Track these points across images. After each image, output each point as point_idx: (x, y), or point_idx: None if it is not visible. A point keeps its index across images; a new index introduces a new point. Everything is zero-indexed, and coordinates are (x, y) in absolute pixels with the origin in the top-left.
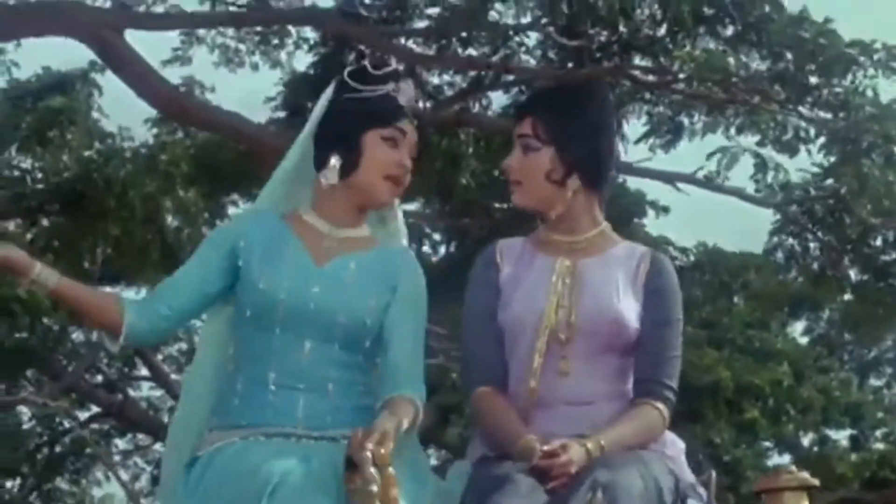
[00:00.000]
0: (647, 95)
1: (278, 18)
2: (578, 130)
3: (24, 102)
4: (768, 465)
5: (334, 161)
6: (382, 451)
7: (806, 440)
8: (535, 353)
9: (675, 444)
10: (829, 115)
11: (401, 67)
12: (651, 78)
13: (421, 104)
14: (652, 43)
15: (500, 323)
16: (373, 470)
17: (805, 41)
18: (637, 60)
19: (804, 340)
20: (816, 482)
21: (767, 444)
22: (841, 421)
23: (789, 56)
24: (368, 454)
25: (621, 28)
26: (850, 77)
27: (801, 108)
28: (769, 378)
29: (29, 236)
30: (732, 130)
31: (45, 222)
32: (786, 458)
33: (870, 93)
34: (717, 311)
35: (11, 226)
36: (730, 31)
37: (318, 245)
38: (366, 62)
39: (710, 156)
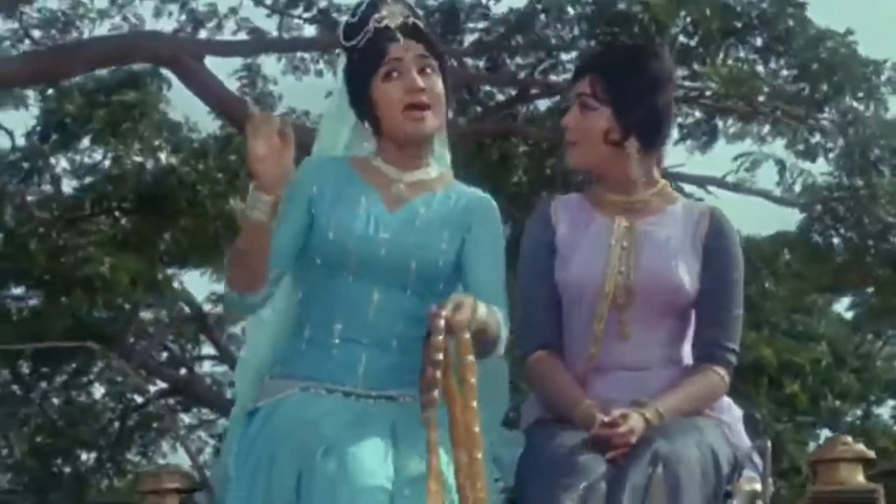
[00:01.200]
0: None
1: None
2: (637, 91)
3: (97, 97)
4: (808, 439)
5: (367, 126)
6: (458, 317)
7: (849, 415)
8: (595, 319)
9: (731, 411)
10: (839, 129)
11: None
12: (681, 93)
13: (412, 14)
14: (686, 54)
15: (557, 284)
16: (441, 338)
17: (825, 56)
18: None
19: (849, 315)
20: (872, 454)
21: (808, 418)
22: (882, 397)
23: (815, 66)
24: (441, 321)
25: (657, 41)
26: (861, 94)
27: (816, 121)
28: (809, 357)
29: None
30: (758, 138)
31: (123, 220)
32: (826, 433)
33: (880, 109)
34: (759, 293)
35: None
36: (759, 41)
37: (388, 190)
38: (347, 18)
39: (735, 158)
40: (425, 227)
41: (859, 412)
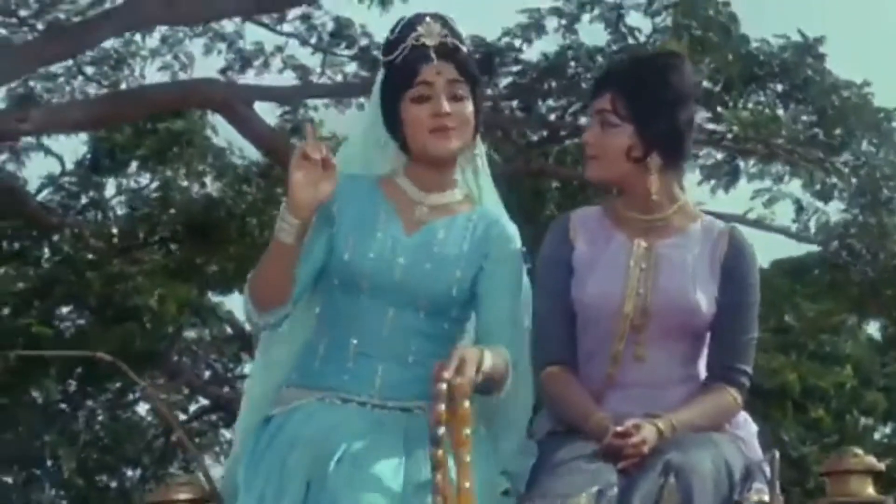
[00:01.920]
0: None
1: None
2: (659, 107)
3: (145, 125)
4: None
5: (393, 145)
6: (459, 380)
7: (877, 434)
8: (615, 340)
9: (747, 425)
10: (852, 172)
11: (420, 13)
12: (702, 136)
13: (450, 34)
14: (709, 97)
15: (574, 302)
16: (442, 407)
17: (840, 104)
18: (698, 112)
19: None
20: (882, 467)
21: (833, 439)
22: None
23: (830, 112)
24: (443, 386)
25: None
26: (873, 139)
27: (831, 164)
28: (833, 381)
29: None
30: (776, 178)
31: (174, 250)
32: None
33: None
34: (786, 314)
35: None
36: (779, 88)
37: (410, 212)
38: (388, 34)
39: (754, 196)
40: (442, 253)
41: (888, 430)
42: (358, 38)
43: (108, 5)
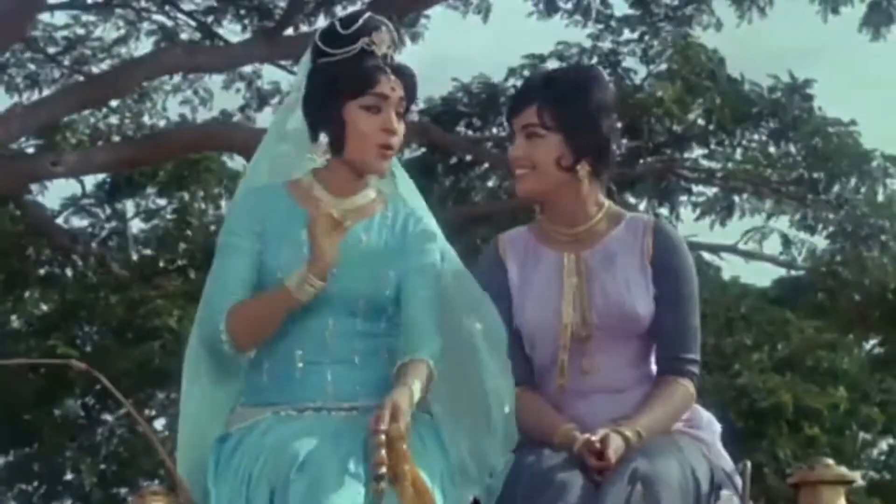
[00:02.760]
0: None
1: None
2: (584, 115)
3: None
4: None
5: (322, 139)
6: (396, 425)
7: (875, 450)
8: (559, 355)
9: (710, 427)
10: (835, 210)
11: (374, 16)
12: (696, 175)
13: (396, 46)
14: (703, 135)
15: (517, 327)
16: (383, 452)
17: (826, 144)
18: (692, 149)
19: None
20: (856, 476)
21: (830, 459)
22: None
23: (817, 151)
24: (382, 437)
25: (675, 127)
26: (854, 180)
27: (816, 202)
28: (826, 402)
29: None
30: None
31: (193, 276)
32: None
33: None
34: (782, 332)
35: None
36: (770, 125)
37: None
38: (336, 21)
39: (746, 233)
40: (369, 256)
41: (885, 446)
42: None
43: (130, 41)
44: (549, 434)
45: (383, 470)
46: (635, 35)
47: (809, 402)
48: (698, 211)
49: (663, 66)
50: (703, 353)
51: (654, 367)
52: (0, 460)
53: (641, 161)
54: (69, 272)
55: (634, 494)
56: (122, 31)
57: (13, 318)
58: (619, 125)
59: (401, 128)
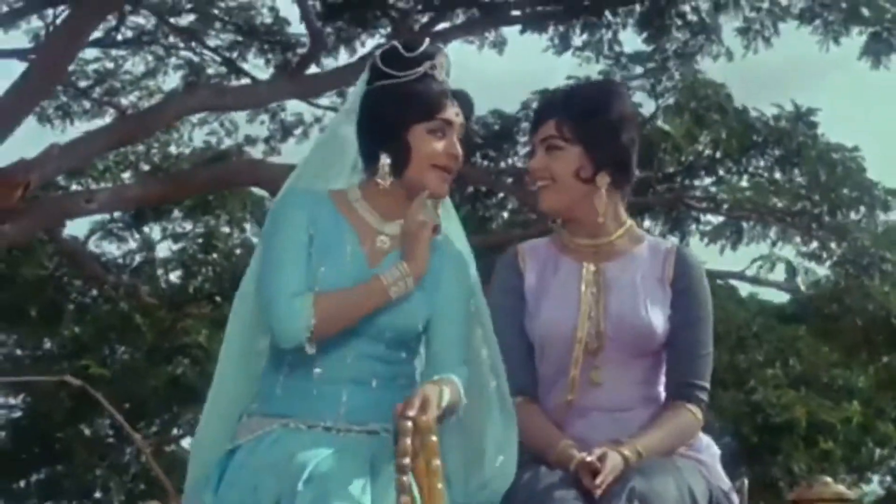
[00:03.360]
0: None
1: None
2: (604, 127)
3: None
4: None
5: (384, 160)
6: (424, 417)
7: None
8: (571, 366)
9: (710, 450)
10: (837, 240)
11: (434, 42)
12: (704, 204)
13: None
14: (710, 163)
15: (528, 333)
16: (409, 441)
17: (830, 173)
18: (701, 178)
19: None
20: (853, 495)
21: (843, 474)
22: None
23: (822, 179)
24: (409, 423)
25: (683, 158)
26: (855, 211)
27: (819, 232)
28: (840, 417)
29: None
30: (771, 242)
31: (221, 303)
32: (867, 487)
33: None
34: (793, 349)
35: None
36: (775, 153)
37: (371, 242)
38: (397, 43)
39: (753, 262)
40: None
41: None
42: None
43: (159, 75)
44: (547, 450)
45: (407, 460)
46: (644, 70)
47: (823, 416)
48: (707, 239)
49: (672, 101)
50: (717, 371)
51: (661, 390)
52: (32, 478)
53: (652, 191)
54: (101, 300)
55: None
56: (151, 66)
57: (46, 340)
58: (637, 139)
59: (461, 152)
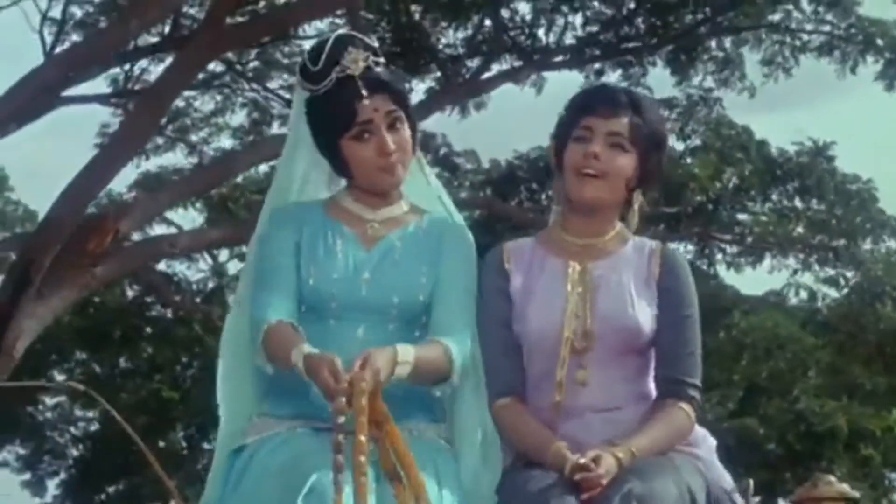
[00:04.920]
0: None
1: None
2: (658, 145)
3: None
4: (883, 496)
5: (330, 170)
6: (360, 373)
7: None
8: (558, 366)
9: (706, 442)
10: (853, 268)
11: (340, 37)
12: (730, 236)
13: (372, 55)
14: (737, 195)
15: (516, 334)
16: (343, 400)
17: (847, 206)
18: (727, 209)
19: None
20: (856, 494)
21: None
22: None
23: (838, 211)
24: (344, 384)
25: (711, 194)
26: (870, 241)
27: (836, 261)
28: (881, 424)
29: None
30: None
31: None
32: None
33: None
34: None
35: None
36: (795, 185)
37: (363, 230)
38: (305, 56)
39: (783, 287)
40: (403, 262)
41: None
42: (439, 147)
43: (227, 113)
44: (540, 452)
45: (341, 419)
46: (673, 113)
47: (864, 424)
48: (729, 264)
49: (698, 141)
50: (760, 381)
51: (651, 387)
52: (111, 489)
53: (681, 226)
54: (176, 324)
55: None
56: (219, 105)
57: (122, 360)
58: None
59: (400, 137)
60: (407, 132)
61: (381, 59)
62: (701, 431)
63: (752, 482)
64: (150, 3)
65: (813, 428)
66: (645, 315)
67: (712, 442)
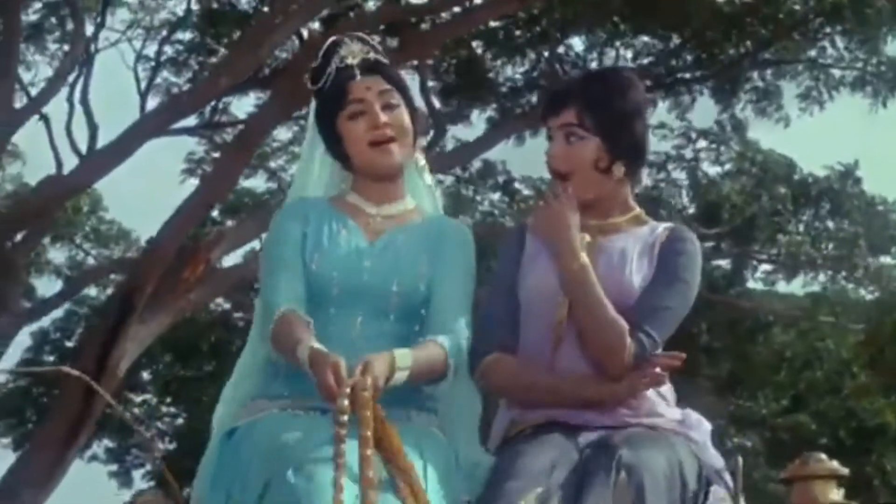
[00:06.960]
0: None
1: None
2: (622, 119)
3: None
4: None
5: (332, 162)
6: (363, 378)
7: None
8: (555, 325)
9: (700, 427)
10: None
11: (337, 36)
12: (765, 257)
13: (371, 50)
14: (771, 216)
15: (519, 296)
16: (346, 402)
17: (872, 226)
18: (762, 230)
19: None
20: (846, 471)
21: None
22: None
23: (864, 230)
24: (346, 388)
25: (746, 214)
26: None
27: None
28: None
29: None
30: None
31: None
32: None
33: None
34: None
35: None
36: (826, 205)
37: (367, 223)
38: (314, 63)
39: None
40: (405, 252)
41: None
42: (499, 173)
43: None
44: (534, 394)
45: (344, 418)
46: (710, 142)
47: None
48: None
49: (733, 167)
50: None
51: None
52: (186, 491)
53: (719, 248)
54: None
55: (619, 482)
56: (296, 134)
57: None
58: (648, 127)
59: (394, 115)
60: (404, 116)
61: (380, 53)
62: (696, 416)
63: (740, 461)
64: (238, 60)
65: (863, 423)
66: (639, 278)
67: (707, 426)
